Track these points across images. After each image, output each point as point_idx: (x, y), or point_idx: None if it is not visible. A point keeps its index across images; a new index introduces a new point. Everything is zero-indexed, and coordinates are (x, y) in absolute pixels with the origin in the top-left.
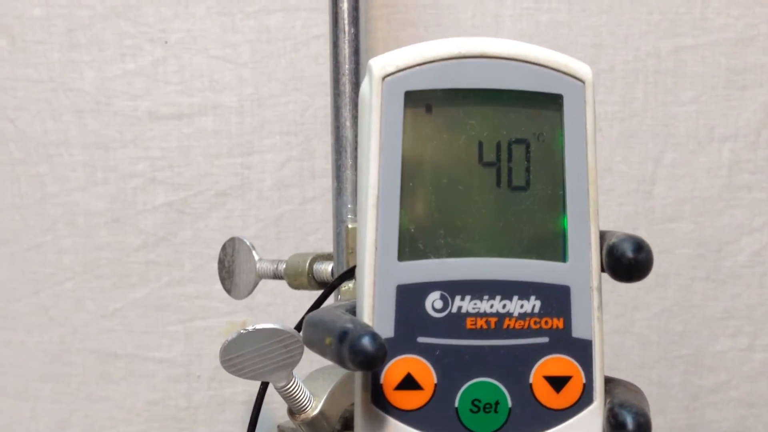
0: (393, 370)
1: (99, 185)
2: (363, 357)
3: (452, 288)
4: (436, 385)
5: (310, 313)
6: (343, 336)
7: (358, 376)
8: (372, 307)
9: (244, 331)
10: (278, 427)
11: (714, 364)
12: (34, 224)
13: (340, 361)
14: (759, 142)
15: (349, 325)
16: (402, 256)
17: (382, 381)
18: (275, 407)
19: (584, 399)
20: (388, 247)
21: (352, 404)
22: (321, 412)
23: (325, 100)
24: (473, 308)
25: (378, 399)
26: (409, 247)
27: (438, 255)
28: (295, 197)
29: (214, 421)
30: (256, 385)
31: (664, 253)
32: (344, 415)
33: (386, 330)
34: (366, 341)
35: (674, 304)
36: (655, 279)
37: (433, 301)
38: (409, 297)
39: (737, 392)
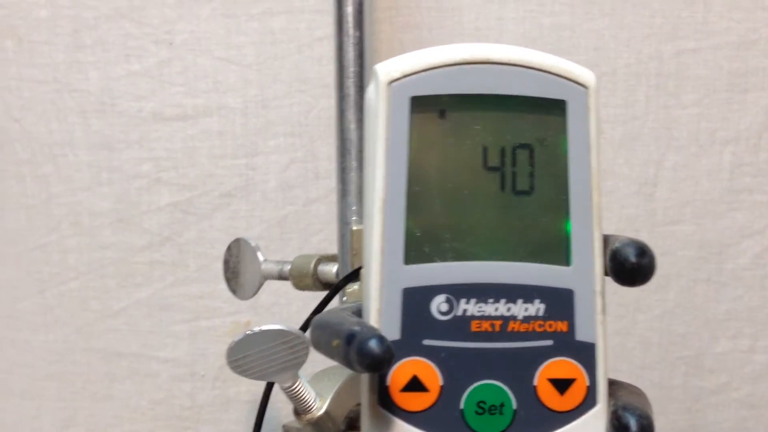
0: (399, 372)
1: (104, 185)
2: (370, 359)
3: (457, 291)
4: (441, 387)
5: (317, 316)
6: (350, 338)
7: (365, 377)
8: (378, 309)
9: (250, 332)
10: (283, 426)
11: (715, 366)
12: (39, 224)
13: (347, 363)
14: (760, 145)
15: (357, 328)
16: (408, 259)
17: (388, 383)
18: (279, 406)
19: (588, 401)
20: (395, 250)
21: (357, 404)
22: (326, 413)
23: (329, 102)
24: (478, 311)
25: (384, 400)
26: (415, 250)
27: (443, 258)
28: (298, 198)
29: (218, 420)
30: (260, 385)
31: (666, 255)
32: (349, 416)
33: (392, 332)
34: (373, 344)
35: (676, 306)
36: (657, 281)
37: (438, 304)
38: (415, 300)
39: (738, 394)
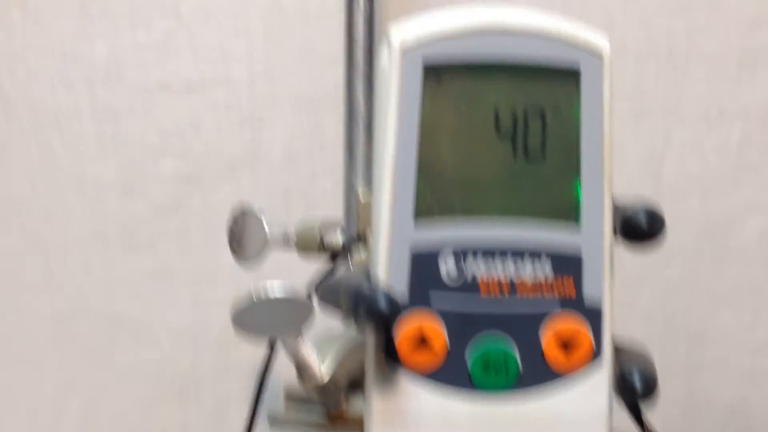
0: (406, 331)
1: (109, 155)
2: (378, 315)
3: (466, 250)
4: (448, 345)
5: (325, 276)
6: (358, 295)
7: (371, 335)
8: (387, 269)
9: (257, 294)
10: (285, 388)
11: (716, 340)
12: (44, 192)
13: (355, 319)
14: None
15: (364, 285)
16: (417, 220)
17: (395, 341)
18: (280, 371)
19: (593, 362)
20: (404, 213)
21: (361, 369)
22: (330, 377)
23: (336, 75)
24: (486, 272)
25: (391, 359)
26: (425, 212)
27: (453, 220)
28: (304, 171)
29: (220, 387)
30: (261, 353)
31: (671, 230)
32: (351, 379)
33: (400, 291)
34: (381, 300)
35: (679, 280)
36: (661, 255)
37: (447, 264)
38: (424, 260)
39: (738, 367)
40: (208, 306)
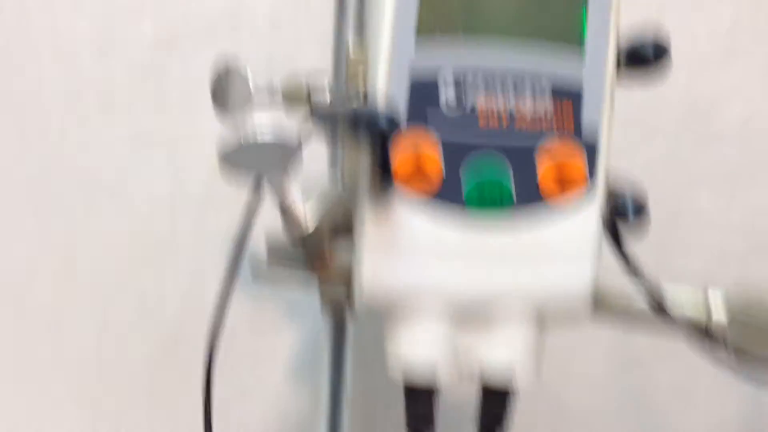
0: (402, 156)
1: (85, 15)
2: (378, 130)
3: (466, 71)
4: (444, 172)
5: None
6: (357, 112)
7: (367, 161)
8: (386, 89)
9: (245, 136)
10: (267, 242)
11: (691, 220)
12: (17, 50)
13: (353, 128)
14: (760, 5)
15: (363, 104)
16: (419, 38)
17: (391, 169)
18: (262, 225)
19: (587, 195)
20: (406, 29)
21: (345, 219)
22: (315, 227)
23: None
24: (485, 95)
25: (386, 187)
26: (426, 29)
27: (454, 38)
28: (288, 37)
29: (197, 251)
30: (239, 219)
31: (655, 110)
32: (335, 229)
33: (399, 115)
34: (380, 115)
35: (659, 160)
36: (643, 134)
37: (446, 93)
38: (423, 82)
39: (709, 246)
40: (186, 171)
